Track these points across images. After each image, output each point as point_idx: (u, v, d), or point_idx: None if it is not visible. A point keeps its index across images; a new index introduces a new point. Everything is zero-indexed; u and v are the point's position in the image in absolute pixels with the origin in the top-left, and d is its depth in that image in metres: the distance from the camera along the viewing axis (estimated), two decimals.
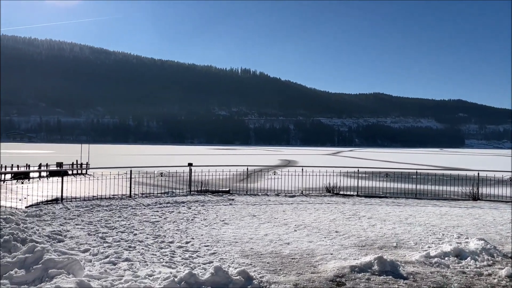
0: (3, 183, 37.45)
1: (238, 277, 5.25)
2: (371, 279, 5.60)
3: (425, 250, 7.12)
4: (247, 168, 17.73)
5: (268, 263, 6.41)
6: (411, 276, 5.77)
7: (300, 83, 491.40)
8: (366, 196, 15.73)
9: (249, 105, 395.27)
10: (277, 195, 15.59)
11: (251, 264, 6.29)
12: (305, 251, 7.15)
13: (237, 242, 7.84)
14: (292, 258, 6.69)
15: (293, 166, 54.34)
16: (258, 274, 5.71)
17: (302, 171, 16.33)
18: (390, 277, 5.70)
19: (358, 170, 17.86)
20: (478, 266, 6.32)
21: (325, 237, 8.33)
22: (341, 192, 16.57)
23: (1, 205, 16.97)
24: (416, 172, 16.96)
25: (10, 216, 8.34)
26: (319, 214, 11.27)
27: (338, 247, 7.49)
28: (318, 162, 69.27)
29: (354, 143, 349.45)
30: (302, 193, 16.18)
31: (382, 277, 5.70)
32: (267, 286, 5.30)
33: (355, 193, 16.25)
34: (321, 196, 15.66)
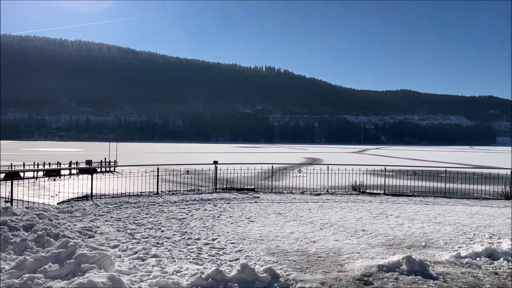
0: (36, 180, 38.75)
1: (264, 275, 5.26)
2: (400, 279, 5.51)
3: (456, 250, 6.95)
4: (272, 166, 17.70)
5: (294, 261, 6.40)
6: (441, 277, 5.65)
7: (325, 80, 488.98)
8: (393, 195, 15.47)
9: (273, 103, 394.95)
10: (302, 193, 15.53)
11: (277, 262, 6.29)
12: (332, 250, 7.10)
13: (263, 239, 7.85)
14: (319, 257, 6.66)
15: (318, 164, 54.00)
16: (284, 272, 5.71)
17: (328, 169, 16.20)
18: (419, 277, 5.59)
19: (385, 168, 17.59)
20: (511, 267, 6.13)
21: (351, 236, 8.24)
22: (368, 191, 16.35)
23: (34, 201, 17.55)
24: (445, 170, 16.57)
25: (43, 212, 8.62)
26: (345, 213, 11.16)
27: (365, 246, 7.41)
28: (344, 160, 68.56)
29: (381, 141, 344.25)
30: (327, 191, 16.06)
31: (411, 277, 5.60)
32: (294, 284, 5.29)
33: (382, 191, 16.00)
34: (347, 194, 15.50)
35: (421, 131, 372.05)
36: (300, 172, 17.25)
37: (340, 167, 16.71)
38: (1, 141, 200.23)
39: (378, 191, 16.22)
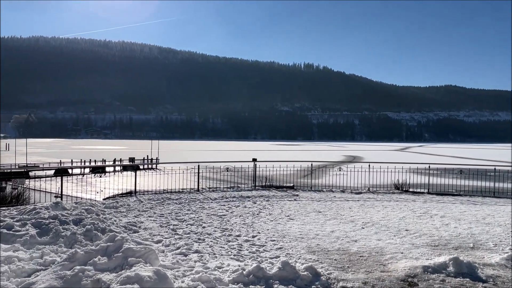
0: (83, 176, 40.41)
1: (305, 273, 5.24)
2: (446, 281, 5.33)
3: (506, 252, 6.62)
4: (311, 164, 17.56)
5: (335, 260, 6.33)
6: (491, 279, 5.41)
7: (366, 76, 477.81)
8: (438, 194, 14.95)
9: (312, 100, 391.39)
10: (343, 191, 15.31)
11: (318, 261, 6.24)
12: (374, 249, 6.96)
13: (303, 238, 7.82)
14: (360, 256, 6.55)
15: (359, 162, 53.07)
16: (326, 271, 5.66)
17: (369, 167, 15.88)
18: (467, 279, 5.38)
19: (429, 166, 17.03)
20: None
21: (394, 236, 8.05)
22: (411, 190, 15.90)
23: (82, 196, 18.31)
24: (494, 168, 15.82)
25: (91, 207, 8.98)
26: (387, 212, 10.91)
27: (408, 246, 7.21)
28: (385, 158, 66.99)
29: (424, 138, 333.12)
30: (369, 189, 15.75)
31: (458, 279, 5.40)
32: (335, 283, 5.23)
33: (426, 190, 15.50)
34: (389, 193, 15.14)
35: (467, 128, 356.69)
36: (340, 170, 17.03)
37: (382, 165, 16.32)
38: (52, 139, 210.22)
39: (422, 190, 15.73)
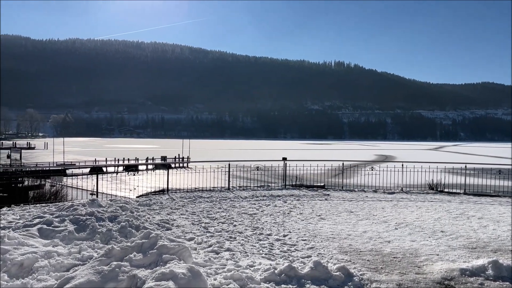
0: (117, 174, 41.46)
1: (338, 273, 5.18)
2: (485, 284, 5.15)
3: None
4: (343, 163, 17.35)
5: (368, 260, 6.23)
6: None
7: (398, 74, 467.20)
8: (475, 195, 14.46)
9: (343, 98, 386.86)
10: (375, 191, 15.05)
11: (350, 261, 6.16)
12: (408, 250, 6.81)
13: (334, 238, 7.74)
14: (394, 257, 6.42)
15: (391, 161, 52.04)
16: (358, 272, 5.58)
17: (402, 167, 15.54)
18: (507, 283, 5.18)
19: (465, 166, 16.48)
20: None
21: (429, 237, 7.84)
22: (446, 190, 15.44)
23: (116, 194, 18.78)
24: None
25: (125, 205, 9.20)
26: (421, 212, 10.64)
27: (444, 247, 7.00)
28: (419, 157, 65.34)
29: (459, 137, 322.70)
30: (402, 189, 15.41)
31: (497, 282, 5.20)
32: (368, 284, 5.15)
33: (462, 191, 15.03)
34: (423, 193, 14.76)
35: (506, 126, 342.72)
36: (372, 170, 16.74)
37: (415, 164, 15.93)
38: (87, 138, 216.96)
39: (458, 191, 15.25)
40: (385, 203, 12.36)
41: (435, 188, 15.64)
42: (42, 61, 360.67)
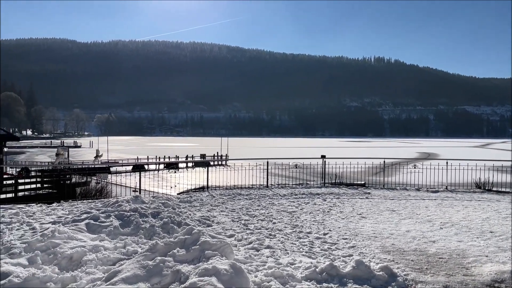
0: (157, 172, 42.52)
1: (381, 273, 5.07)
2: None
3: None
4: (384, 161, 16.96)
5: (412, 260, 6.05)
6: None
7: (441, 69, 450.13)
8: None
9: (383, 95, 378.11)
10: (418, 190, 14.62)
11: (393, 261, 6.01)
12: (454, 251, 6.56)
13: (376, 237, 7.57)
14: (440, 258, 6.20)
15: (434, 159, 50.30)
16: (402, 272, 5.42)
17: (447, 165, 14.99)
18: None
19: None
20: None
21: (477, 237, 7.51)
22: (494, 189, 14.76)
23: (157, 191, 19.25)
24: None
25: (167, 201, 9.41)
26: (468, 212, 10.22)
27: (494, 249, 6.69)
28: (464, 155, 62.91)
29: (508, 133, 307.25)
30: (446, 188, 14.88)
31: None
32: (413, 285, 5.00)
33: None
34: (469, 192, 14.18)
35: None
36: (415, 168, 16.26)
37: (461, 162, 15.33)
38: (129, 137, 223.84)
39: (508, 190, 14.54)
40: (429, 202, 11.97)
41: (483, 187, 15.01)
42: (87, 63, 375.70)
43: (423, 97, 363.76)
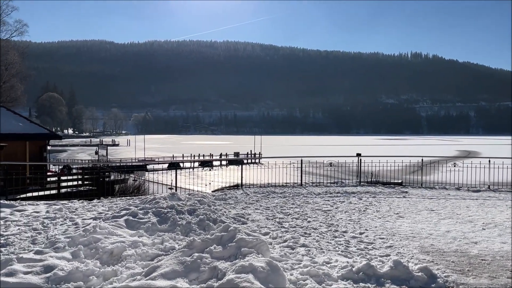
0: (192, 170, 43.19)
1: (419, 274, 4.94)
2: None
3: None
4: (422, 159, 16.50)
5: (453, 262, 5.87)
6: None
7: (483, 64, 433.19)
8: None
9: (420, 91, 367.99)
10: (458, 189, 14.14)
11: (433, 262, 5.84)
12: (498, 253, 6.30)
13: (414, 237, 7.39)
14: (482, 259, 5.98)
15: (475, 157, 48.50)
16: (443, 273, 5.27)
17: (489, 163, 14.42)
18: None
19: None
20: None
21: None
22: None
23: (192, 188, 19.55)
24: None
25: (203, 199, 9.55)
26: None
27: None
28: (507, 153, 60.19)
29: None
30: (489, 187, 14.32)
31: None
32: (454, 287, 4.85)
33: None
34: None
35: None
36: (455, 166, 15.73)
37: (504, 160, 14.70)
38: (165, 135, 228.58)
39: None
40: (470, 201, 11.56)
41: None
42: (124, 63, 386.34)
43: (463, 93, 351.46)
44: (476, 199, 12.05)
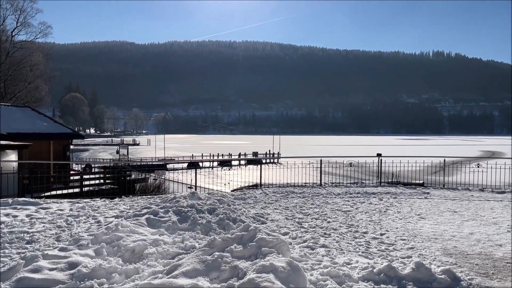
0: (212, 169, 43.42)
1: (442, 276, 4.86)
2: None
3: None
4: (444, 160, 16.20)
5: (476, 264, 5.75)
6: None
7: (507, 62, 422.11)
8: None
9: (442, 90, 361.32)
10: (482, 190, 13.83)
11: (456, 264, 5.74)
12: None
13: (437, 238, 7.27)
14: (507, 262, 5.84)
15: (500, 157, 47.35)
16: (466, 276, 5.17)
17: None
18: None
19: None
20: None
21: None
22: None
23: (211, 188, 19.67)
24: None
25: (222, 198, 9.60)
26: None
27: None
28: None
29: None
30: None
31: None
32: None
33: None
34: None
35: None
36: (478, 167, 15.39)
37: None
38: (185, 135, 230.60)
39: None
40: (494, 203, 11.29)
41: None
42: (145, 63, 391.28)
43: (486, 93, 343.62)
44: (501, 200, 11.77)
